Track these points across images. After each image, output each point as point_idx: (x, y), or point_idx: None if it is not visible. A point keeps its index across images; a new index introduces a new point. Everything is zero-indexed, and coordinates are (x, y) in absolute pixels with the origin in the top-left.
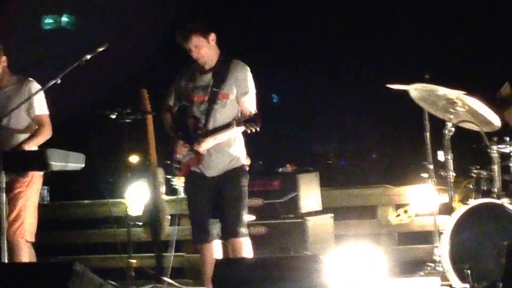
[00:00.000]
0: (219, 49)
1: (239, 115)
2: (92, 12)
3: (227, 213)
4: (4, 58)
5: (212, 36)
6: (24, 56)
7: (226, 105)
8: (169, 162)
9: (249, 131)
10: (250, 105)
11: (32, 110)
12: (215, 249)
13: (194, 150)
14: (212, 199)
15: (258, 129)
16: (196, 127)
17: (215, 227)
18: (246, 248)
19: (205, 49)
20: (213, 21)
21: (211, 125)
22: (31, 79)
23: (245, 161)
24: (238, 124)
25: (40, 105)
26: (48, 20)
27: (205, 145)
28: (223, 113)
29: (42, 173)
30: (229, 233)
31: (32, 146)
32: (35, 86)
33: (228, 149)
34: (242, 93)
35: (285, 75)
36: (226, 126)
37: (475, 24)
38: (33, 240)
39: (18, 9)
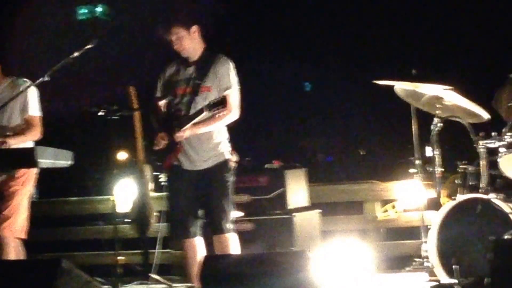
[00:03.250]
0: (204, 43)
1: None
2: (126, 2)
3: (213, 209)
4: None
5: (194, 28)
6: (59, 47)
7: (207, 97)
8: (154, 157)
9: (217, 116)
10: (232, 99)
11: (26, 110)
12: (198, 246)
13: (173, 139)
14: (193, 195)
15: (225, 113)
16: (176, 118)
17: (196, 223)
18: (233, 244)
19: (187, 41)
20: (197, 13)
21: None
22: (25, 79)
23: (229, 155)
24: (209, 109)
25: (34, 106)
26: (83, 11)
27: (181, 133)
28: (203, 104)
29: (36, 171)
30: (215, 229)
31: (17, 142)
32: (28, 86)
33: (209, 142)
34: (224, 88)
35: (275, 71)
36: (198, 113)
37: (463, 19)
38: (23, 237)
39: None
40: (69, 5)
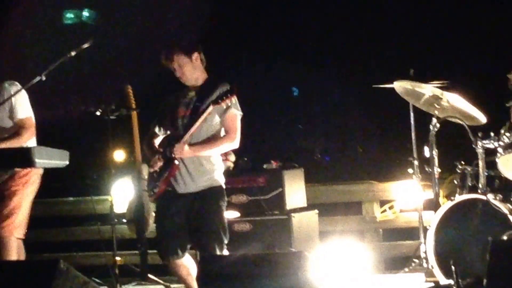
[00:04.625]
0: (206, 71)
1: (221, 134)
2: (113, 7)
3: (206, 233)
4: None
5: (196, 55)
6: (45, 51)
7: (207, 120)
8: (146, 189)
9: (224, 106)
10: (233, 123)
11: (15, 114)
12: (188, 263)
13: (170, 159)
14: (182, 218)
15: (234, 100)
16: (175, 137)
17: (185, 246)
18: None
19: (188, 68)
20: (200, 41)
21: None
22: (12, 81)
23: (223, 181)
24: (215, 103)
25: (22, 108)
26: (69, 15)
27: (181, 147)
28: (203, 127)
29: (40, 173)
30: (206, 252)
31: (8, 146)
32: (14, 87)
33: (204, 165)
34: (224, 110)
35: (271, 70)
36: (202, 112)
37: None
38: (22, 237)
39: (39, 4)
40: (56, 9)
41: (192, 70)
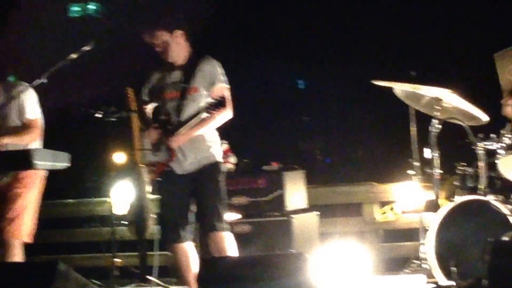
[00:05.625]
0: (191, 47)
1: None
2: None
3: (206, 209)
4: None
5: (178, 33)
6: (51, 44)
7: (196, 99)
8: (142, 164)
9: (217, 115)
10: (222, 94)
11: (23, 114)
12: (189, 251)
13: (166, 145)
14: (185, 199)
15: (226, 112)
16: (168, 124)
17: (187, 229)
18: (228, 242)
19: (171, 46)
20: (182, 17)
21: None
22: (23, 82)
23: (221, 159)
24: (207, 110)
25: (31, 109)
26: (75, 8)
27: (177, 140)
28: (193, 107)
29: (44, 175)
30: (209, 229)
31: (12, 142)
32: (25, 89)
33: (200, 145)
34: (211, 84)
35: (272, 71)
36: (195, 116)
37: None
38: (28, 240)
39: None
40: (61, 2)
41: (174, 48)
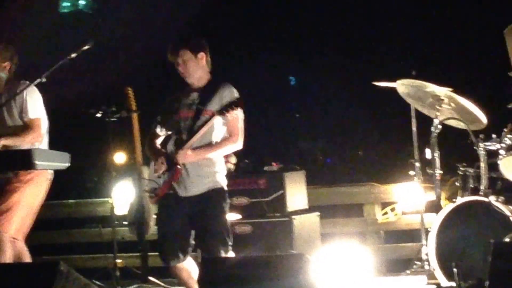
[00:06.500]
0: (211, 73)
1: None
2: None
3: (209, 234)
4: (7, 63)
5: (202, 55)
6: (42, 40)
7: (209, 123)
8: (146, 190)
9: (230, 118)
10: (236, 123)
11: (25, 113)
12: (190, 266)
13: (173, 164)
14: (186, 221)
15: (241, 113)
16: (178, 142)
17: (187, 249)
18: None
19: (192, 66)
20: (209, 43)
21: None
22: (26, 81)
23: (225, 186)
24: (221, 112)
25: (33, 109)
26: (65, 3)
27: (184, 155)
28: (206, 129)
29: (48, 177)
30: (210, 253)
31: (12, 143)
32: (27, 88)
33: (206, 169)
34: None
35: (272, 71)
36: (208, 120)
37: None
38: (17, 237)
39: None
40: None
41: (195, 68)
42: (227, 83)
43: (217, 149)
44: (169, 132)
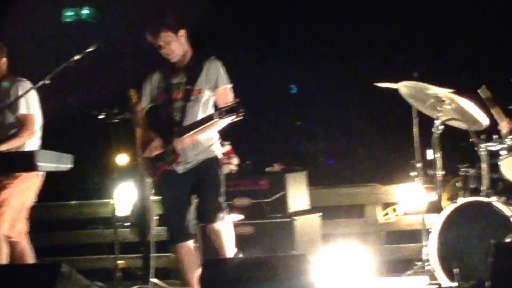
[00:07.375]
0: (191, 47)
1: (217, 108)
2: (112, 4)
3: (205, 200)
4: (4, 60)
5: (182, 32)
6: (44, 49)
7: (200, 100)
8: (143, 168)
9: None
10: (226, 96)
11: (17, 109)
12: (192, 249)
13: (171, 149)
14: (187, 196)
15: (241, 117)
16: (172, 126)
17: (190, 226)
18: (225, 233)
19: (175, 45)
20: (184, 17)
21: (186, 122)
22: (22, 78)
23: (220, 154)
24: (221, 116)
25: (27, 104)
26: (68, 13)
27: (183, 142)
28: (197, 108)
29: (39, 174)
30: (208, 219)
31: (10, 146)
32: (23, 85)
33: (202, 145)
34: (215, 85)
35: (273, 72)
36: (207, 120)
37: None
38: (11, 235)
39: (38, 2)
40: (55, 7)
41: (179, 47)
42: (212, 57)
43: (213, 126)
44: (152, 104)
